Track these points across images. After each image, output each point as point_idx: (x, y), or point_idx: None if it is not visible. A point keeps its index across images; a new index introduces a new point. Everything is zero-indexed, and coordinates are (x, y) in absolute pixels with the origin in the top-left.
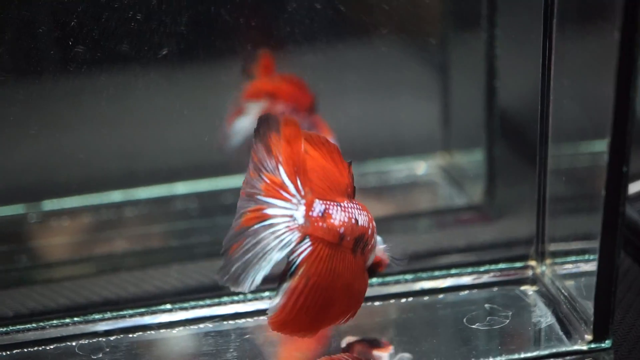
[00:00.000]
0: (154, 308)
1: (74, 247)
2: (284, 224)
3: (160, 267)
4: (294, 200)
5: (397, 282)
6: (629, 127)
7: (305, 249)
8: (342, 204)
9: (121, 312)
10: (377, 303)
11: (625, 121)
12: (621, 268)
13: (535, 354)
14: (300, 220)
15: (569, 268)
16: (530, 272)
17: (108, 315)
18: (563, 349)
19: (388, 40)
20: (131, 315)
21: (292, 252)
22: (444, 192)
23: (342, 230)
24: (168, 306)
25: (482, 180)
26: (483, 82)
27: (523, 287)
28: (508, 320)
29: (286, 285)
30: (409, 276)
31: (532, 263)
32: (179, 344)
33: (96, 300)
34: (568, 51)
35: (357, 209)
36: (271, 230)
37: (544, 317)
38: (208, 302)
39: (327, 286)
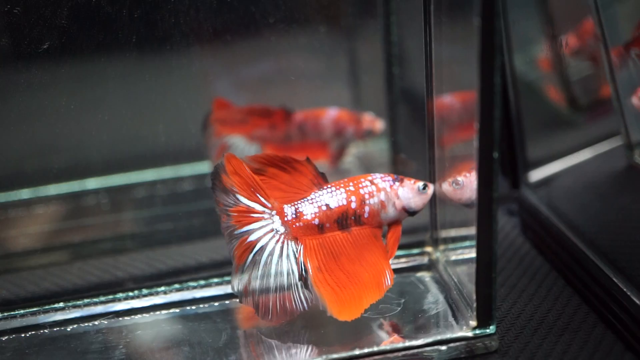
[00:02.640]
0: (47, 307)
1: None
2: (273, 240)
3: (63, 264)
4: (266, 215)
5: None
6: (496, 111)
7: (300, 250)
8: (309, 198)
9: (12, 312)
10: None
11: (491, 106)
12: (518, 253)
13: (420, 342)
14: (281, 229)
15: (459, 254)
16: (426, 259)
17: None
18: (448, 335)
19: (297, 30)
20: (22, 315)
21: (296, 257)
22: None
23: (316, 221)
24: (61, 304)
25: (386, 169)
26: (383, 69)
27: (419, 274)
28: (399, 308)
29: (311, 283)
30: None
31: (429, 249)
32: (71, 342)
33: None
34: (445, 37)
35: (328, 193)
36: (267, 252)
37: (435, 303)
38: (102, 299)
39: (336, 266)
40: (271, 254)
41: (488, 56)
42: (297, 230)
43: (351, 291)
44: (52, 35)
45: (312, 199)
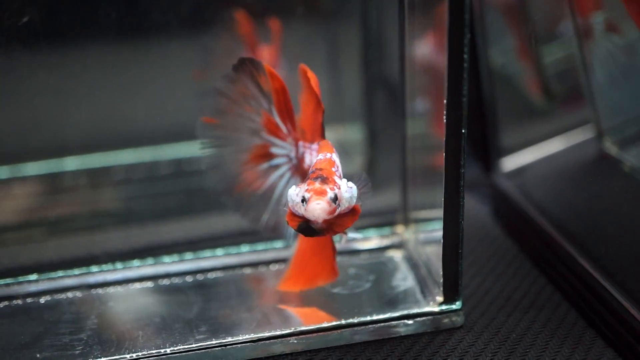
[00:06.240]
0: (20, 279)
1: None
2: (287, 166)
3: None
4: (288, 141)
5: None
6: (464, 87)
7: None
8: (313, 146)
9: None
10: (248, 271)
11: (460, 81)
12: (489, 236)
13: (387, 315)
14: (294, 161)
15: (428, 233)
16: (397, 238)
17: None
18: (415, 310)
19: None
20: None
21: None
22: None
23: (310, 172)
24: (35, 276)
25: (364, 153)
26: (361, 54)
27: (391, 253)
28: (369, 284)
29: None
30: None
31: (400, 229)
32: (44, 313)
33: None
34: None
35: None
36: (279, 173)
37: (404, 280)
38: (77, 272)
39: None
40: (281, 176)
41: (458, 30)
42: (301, 171)
43: (314, 264)
44: (31, 8)
45: (311, 149)
